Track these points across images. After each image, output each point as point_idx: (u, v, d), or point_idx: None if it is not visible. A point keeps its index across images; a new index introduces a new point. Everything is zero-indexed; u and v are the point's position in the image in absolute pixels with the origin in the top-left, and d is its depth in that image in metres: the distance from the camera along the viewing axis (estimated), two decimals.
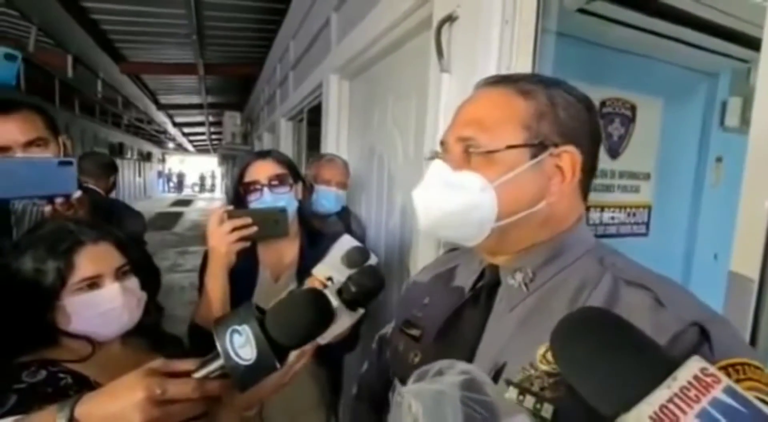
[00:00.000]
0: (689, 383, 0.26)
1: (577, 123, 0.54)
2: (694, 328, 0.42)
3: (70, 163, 0.94)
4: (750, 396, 0.25)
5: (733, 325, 0.46)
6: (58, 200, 0.93)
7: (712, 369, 0.26)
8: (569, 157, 0.53)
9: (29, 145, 0.99)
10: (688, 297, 0.48)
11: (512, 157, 0.52)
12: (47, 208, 0.94)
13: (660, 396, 0.26)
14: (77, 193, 0.95)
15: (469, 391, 0.43)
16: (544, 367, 0.47)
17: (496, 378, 0.50)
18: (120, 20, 4.72)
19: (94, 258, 0.77)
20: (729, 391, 0.25)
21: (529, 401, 0.46)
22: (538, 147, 0.52)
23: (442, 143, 0.60)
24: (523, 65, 1.03)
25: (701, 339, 0.42)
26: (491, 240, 0.55)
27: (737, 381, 0.36)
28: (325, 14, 2.50)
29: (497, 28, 1.02)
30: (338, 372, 1.39)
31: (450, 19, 1.14)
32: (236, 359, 0.46)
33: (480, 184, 0.53)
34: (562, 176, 0.53)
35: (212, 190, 25.99)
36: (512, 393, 0.47)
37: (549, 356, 0.47)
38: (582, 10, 1.21)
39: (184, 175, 27.34)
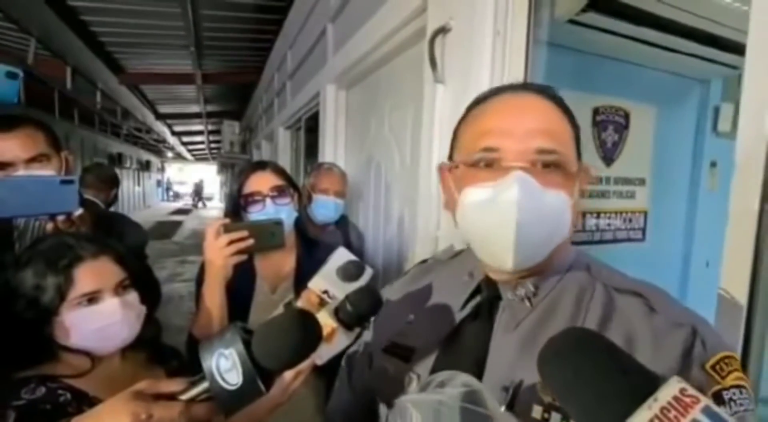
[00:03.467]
0: (669, 404, 0.26)
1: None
2: (687, 329, 0.46)
3: (71, 182, 0.94)
4: (727, 416, 0.26)
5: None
6: (60, 217, 0.94)
7: (691, 390, 0.27)
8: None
9: (31, 161, 1.00)
10: (673, 301, 0.51)
11: (575, 175, 0.51)
12: (49, 226, 0.94)
13: (641, 417, 0.27)
14: (79, 211, 0.96)
15: (469, 403, 0.43)
16: None
17: (514, 396, 0.48)
18: (118, 32, 4.76)
19: (94, 273, 0.78)
20: (707, 412, 0.26)
21: (555, 418, 0.46)
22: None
23: (491, 149, 0.50)
24: (515, 75, 1.04)
25: (694, 338, 0.46)
26: (540, 261, 0.52)
27: (729, 372, 0.43)
28: (322, 25, 2.53)
29: (489, 39, 1.04)
30: None
31: (443, 30, 1.16)
32: (222, 383, 0.46)
33: (567, 204, 0.49)
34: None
35: (209, 199, 25.23)
36: (537, 411, 0.47)
37: None
38: (573, 21, 1.23)
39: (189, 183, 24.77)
